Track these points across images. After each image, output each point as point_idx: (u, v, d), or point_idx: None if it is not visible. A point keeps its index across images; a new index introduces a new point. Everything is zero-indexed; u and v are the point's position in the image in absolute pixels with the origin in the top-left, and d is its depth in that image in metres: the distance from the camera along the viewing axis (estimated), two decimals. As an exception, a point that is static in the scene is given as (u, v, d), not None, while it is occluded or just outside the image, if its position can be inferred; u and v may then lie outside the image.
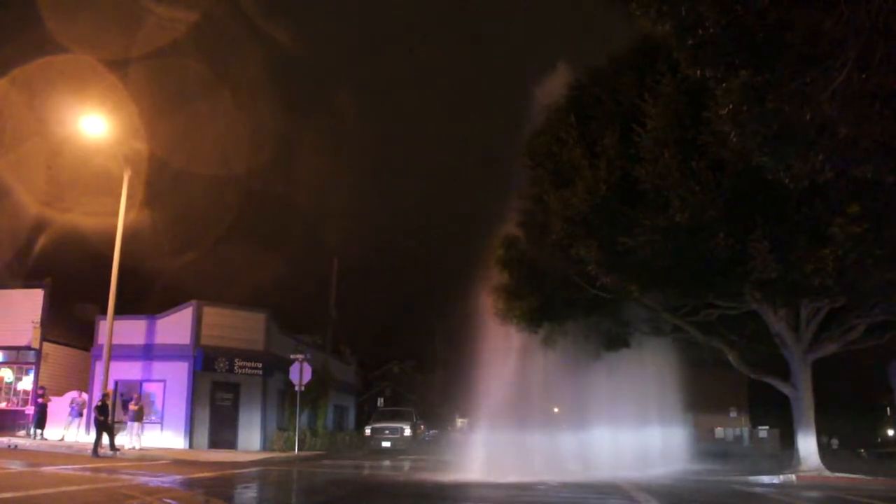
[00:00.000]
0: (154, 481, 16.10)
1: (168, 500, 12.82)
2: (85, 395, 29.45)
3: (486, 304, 24.02)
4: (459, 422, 58.89)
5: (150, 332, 30.69)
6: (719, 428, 52.97)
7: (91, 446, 23.15)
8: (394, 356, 69.82)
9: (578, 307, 21.83)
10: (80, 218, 33.70)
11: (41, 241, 36.78)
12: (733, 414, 54.05)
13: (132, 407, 26.47)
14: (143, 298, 34.65)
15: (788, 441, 29.39)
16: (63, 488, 13.77)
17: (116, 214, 26.47)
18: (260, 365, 31.44)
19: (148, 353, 30.47)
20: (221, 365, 30.45)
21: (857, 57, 8.81)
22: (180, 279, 40.45)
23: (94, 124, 24.98)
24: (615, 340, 24.29)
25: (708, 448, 43.96)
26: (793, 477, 20.02)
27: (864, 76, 8.95)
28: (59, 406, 29.52)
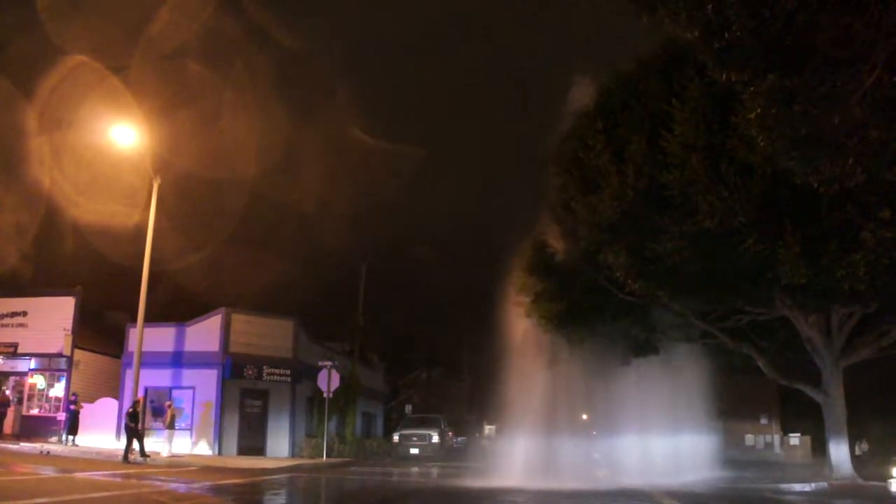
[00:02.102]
0: (184, 487, 16.20)
1: (197, 507, 12.91)
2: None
3: (514, 309, 23.99)
4: (487, 429, 58.73)
5: (180, 339, 30.92)
6: (749, 435, 52.53)
7: (122, 452, 23.33)
8: (422, 363, 69.74)
9: (606, 312, 21.74)
10: (108, 225, 33.98)
11: (70, 249, 37.17)
12: (764, 421, 53.53)
13: (167, 415, 26.61)
14: (170, 306, 34.87)
15: (820, 448, 29.06)
16: (94, 494, 13.89)
17: (135, 218, 26.84)
18: (288, 372, 31.57)
19: (177, 360, 30.69)
20: (250, 372, 30.60)
21: (888, 59, 8.72)
22: (204, 286, 40.66)
23: (121, 132, 25.20)
24: (644, 346, 24.15)
25: (738, 455, 43.59)
26: (825, 485, 19.79)
27: (894, 78, 8.85)
28: (90, 413, 29.80)
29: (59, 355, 31.18)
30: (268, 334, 31.79)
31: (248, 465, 23.84)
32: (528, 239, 23.27)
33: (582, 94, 21.73)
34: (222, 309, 31.08)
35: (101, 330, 34.37)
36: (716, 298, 19.24)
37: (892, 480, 16.63)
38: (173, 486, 16.46)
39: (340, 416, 36.27)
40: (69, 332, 31.00)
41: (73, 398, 29.24)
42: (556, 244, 22.01)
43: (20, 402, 31.68)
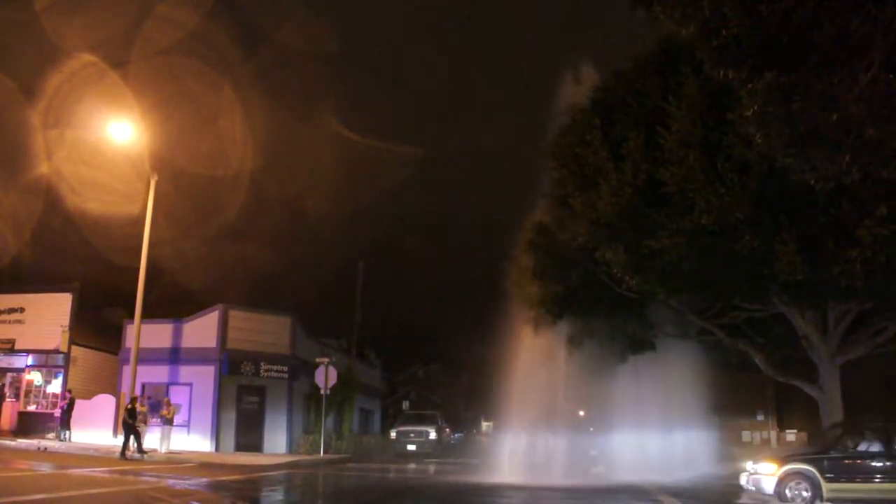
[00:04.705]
0: (181, 484, 16.23)
1: (195, 503, 12.91)
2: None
3: (511, 300, 23.99)
4: (485, 425, 58.86)
5: (177, 335, 30.93)
6: (746, 431, 52.59)
7: (119, 449, 23.35)
8: (419, 360, 69.89)
9: (603, 306, 21.74)
10: (106, 221, 34.00)
11: (67, 245, 37.16)
12: (760, 417, 53.59)
13: (163, 412, 26.59)
14: (168, 302, 34.86)
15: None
16: (92, 490, 13.91)
17: (133, 214, 26.91)
18: (286, 368, 31.59)
19: (175, 356, 30.70)
20: (247, 368, 30.61)
21: (884, 57, 8.73)
22: (201, 282, 40.68)
23: (119, 129, 25.27)
24: (640, 343, 24.14)
25: (735, 451, 43.66)
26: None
27: (891, 76, 8.86)
28: (88, 409, 29.80)
29: (57, 352, 31.20)
30: (265, 331, 31.80)
31: (245, 462, 23.86)
32: (528, 220, 23.26)
33: (579, 89, 21.74)
34: (220, 305, 31.09)
35: (98, 326, 34.32)
36: (712, 295, 19.26)
37: (744, 474, 16.66)
38: (170, 482, 16.48)
39: (338, 412, 36.31)
40: (66, 329, 31.03)
41: (65, 394, 29.29)
42: (556, 230, 21.97)
43: (17, 397, 31.68)
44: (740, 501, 16.80)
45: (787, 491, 15.34)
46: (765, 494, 15.79)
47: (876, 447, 15.74)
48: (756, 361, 22.27)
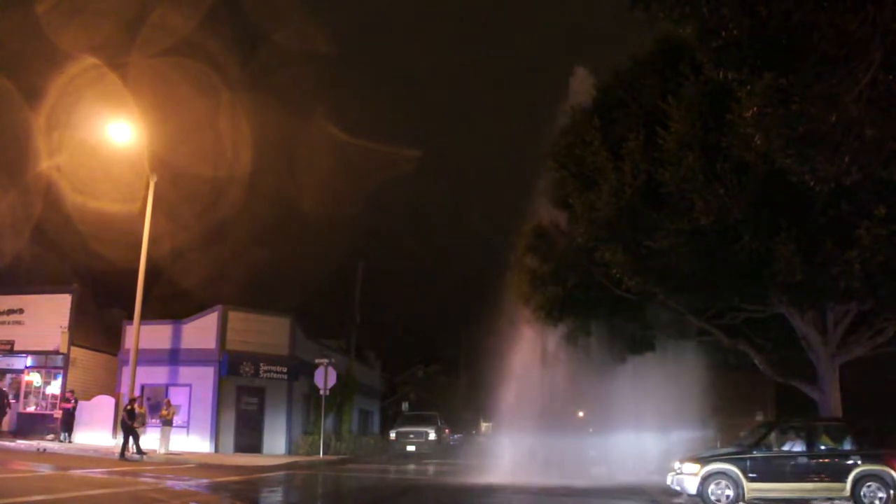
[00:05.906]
0: (180, 485, 16.23)
1: (194, 504, 12.91)
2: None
3: (510, 302, 24.00)
4: (484, 426, 58.82)
5: (176, 336, 30.92)
6: (745, 432, 52.59)
7: (118, 450, 23.36)
8: (418, 361, 69.86)
9: (601, 306, 21.75)
10: (105, 222, 33.99)
11: (66, 246, 37.16)
12: (760, 417, 53.55)
13: (162, 413, 26.59)
14: (167, 303, 34.87)
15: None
16: (91, 491, 13.91)
17: (133, 215, 26.97)
18: (285, 369, 31.57)
19: (174, 357, 30.69)
20: (247, 369, 30.59)
21: (883, 57, 8.73)
22: (200, 283, 40.68)
23: (119, 129, 25.31)
24: (640, 344, 24.14)
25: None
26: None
27: (890, 77, 8.86)
28: (87, 410, 29.79)
29: (56, 353, 31.18)
30: (264, 331, 31.79)
31: (244, 463, 23.86)
32: (528, 223, 23.29)
33: (578, 90, 21.76)
34: (219, 306, 31.08)
35: (97, 327, 34.32)
36: (712, 295, 19.22)
37: (670, 474, 16.67)
38: (170, 483, 16.50)
39: (337, 413, 36.32)
40: (66, 330, 31.01)
41: (68, 395, 29.27)
42: (554, 234, 22.00)
43: (17, 398, 31.65)
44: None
45: (709, 491, 15.43)
46: (689, 495, 15.86)
47: (798, 447, 15.90)
48: (755, 362, 22.27)
